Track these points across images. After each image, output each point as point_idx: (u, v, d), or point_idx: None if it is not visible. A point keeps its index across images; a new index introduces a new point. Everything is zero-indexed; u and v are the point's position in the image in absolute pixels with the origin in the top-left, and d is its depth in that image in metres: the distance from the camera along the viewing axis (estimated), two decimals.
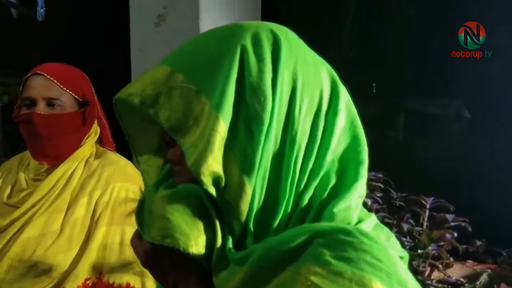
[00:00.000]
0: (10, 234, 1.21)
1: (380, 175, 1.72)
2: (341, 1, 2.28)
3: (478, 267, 1.62)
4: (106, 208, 1.24)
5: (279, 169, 0.55)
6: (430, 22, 2.03)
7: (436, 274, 1.60)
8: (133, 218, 0.65)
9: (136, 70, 2.19)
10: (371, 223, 0.59)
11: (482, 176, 1.94)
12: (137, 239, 0.62)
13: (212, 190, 0.55)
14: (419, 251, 1.57)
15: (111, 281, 1.20)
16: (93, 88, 1.35)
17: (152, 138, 0.66)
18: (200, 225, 0.56)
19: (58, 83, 1.26)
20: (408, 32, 2.11)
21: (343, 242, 0.50)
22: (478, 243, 1.66)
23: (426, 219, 1.65)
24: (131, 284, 1.21)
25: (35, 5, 2.27)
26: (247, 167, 0.54)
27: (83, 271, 1.18)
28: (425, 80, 2.09)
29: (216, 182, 0.55)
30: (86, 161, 1.31)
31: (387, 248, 0.52)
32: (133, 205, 0.66)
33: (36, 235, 1.20)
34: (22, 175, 1.30)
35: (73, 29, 2.81)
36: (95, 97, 1.35)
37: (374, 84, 2.17)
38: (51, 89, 1.25)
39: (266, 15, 2.29)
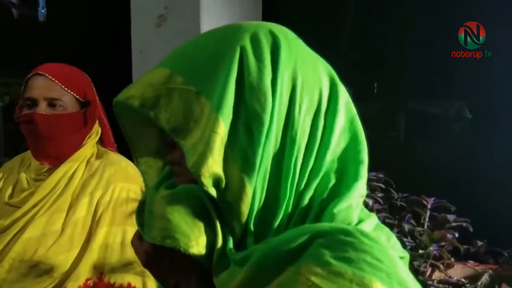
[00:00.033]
0: (11, 234, 1.21)
1: (381, 175, 1.72)
2: (341, 0, 2.28)
3: (479, 268, 1.62)
4: (107, 208, 1.24)
5: (279, 169, 0.56)
6: (430, 22, 2.03)
7: (437, 275, 1.60)
8: (134, 218, 0.65)
9: (137, 71, 2.19)
10: (371, 224, 0.59)
11: (483, 176, 1.94)
12: (138, 240, 0.62)
13: (213, 191, 0.55)
14: (420, 251, 1.57)
15: (112, 281, 1.20)
16: (94, 89, 1.35)
17: (152, 140, 0.66)
18: (201, 225, 0.56)
19: (60, 84, 1.26)
20: (408, 32, 2.11)
21: (343, 243, 0.50)
22: (479, 243, 1.66)
23: (427, 219, 1.65)
24: (132, 284, 1.21)
25: (36, 5, 2.28)
26: (248, 168, 0.54)
27: (84, 271, 1.18)
28: (425, 80, 2.09)
29: (216, 183, 0.55)
30: (88, 161, 1.31)
31: (388, 249, 0.52)
32: (134, 205, 0.66)
33: (37, 235, 1.20)
34: (23, 175, 1.30)
35: (74, 30, 2.81)
36: (97, 98, 1.35)
37: (375, 85, 2.17)
38: (53, 89, 1.25)
39: (267, 15, 2.29)
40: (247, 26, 0.59)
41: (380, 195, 1.69)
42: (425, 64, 2.06)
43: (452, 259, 1.62)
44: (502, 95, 1.91)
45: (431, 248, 1.55)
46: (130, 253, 1.18)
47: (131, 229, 1.22)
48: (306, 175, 0.56)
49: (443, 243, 1.57)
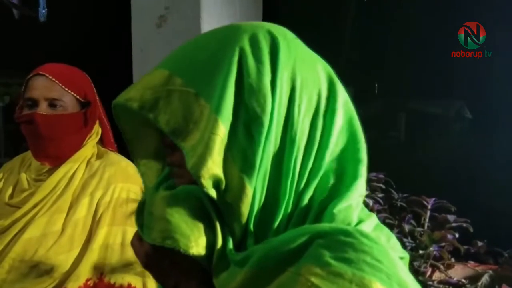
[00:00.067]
0: (11, 235, 1.21)
1: (381, 176, 1.72)
2: (342, 1, 2.28)
3: (480, 268, 1.62)
4: (107, 209, 1.24)
5: (279, 170, 0.56)
6: (430, 22, 2.03)
7: (437, 275, 1.60)
8: (134, 219, 0.65)
9: (138, 71, 2.19)
10: (371, 224, 0.59)
11: (483, 176, 1.94)
12: (138, 241, 0.62)
13: (213, 193, 0.55)
14: (420, 251, 1.57)
15: (112, 281, 1.20)
16: (94, 89, 1.35)
17: (151, 142, 0.66)
18: (201, 226, 0.56)
19: (60, 84, 1.26)
20: (408, 32, 2.11)
21: (343, 243, 0.50)
22: (480, 243, 1.66)
23: (427, 219, 1.65)
24: (132, 285, 1.21)
25: (37, 5, 2.28)
26: (248, 169, 0.54)
27: (85, 272, 1.18)
28: (425, 80, 2.09)
29: (216, 184, 0.55)
30: (88, 162, 1.31)
31: (387, 249, 0.52)
32: (135, 206, 0.66)
33: (37, 236, 1.20)
34: (23, 176, 1.30)
35: (74, 30, 2.81)
36: (97, 98, 1.35)
37: (375, 85, 2.17)
38: (53, 89, 1.25)
39: (267, 15, 2.29)
40: (245, 26, 0.59)
41: (380, 195, 1.69)
42: (425, 64, 2.06)
43: (452, 260, 1.62)
44: (502, 95, 1.91)
45: (431, 249, 1.55)
46: (130, 254, 1.18)
47: (131, 229, 1.22)
48: (306, 175, 0.56)
49: (443, 244, 1.57)
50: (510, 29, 1.87)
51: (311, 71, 0.58)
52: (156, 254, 0.59)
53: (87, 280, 1.18)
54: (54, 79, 1.25)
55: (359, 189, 0.58)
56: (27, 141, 1.30)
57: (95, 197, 1.25)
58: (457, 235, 1.58)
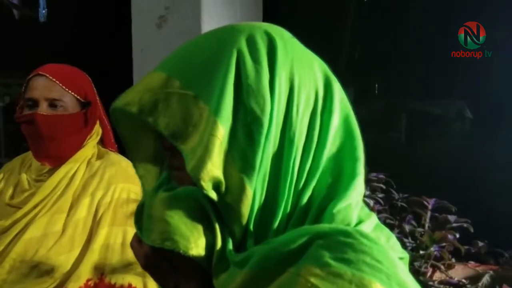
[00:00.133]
0: (12, 235, 1.21)
1: (381, 176, 1.72)
2: (342, 1, 2.28)
3: (480, 268, 1.62)
4: (108, 209, 1.24)
5: (278, 170, 0.55)
6: (430, 22, 2.03)
7: (438, 275, 1.60)
8: None
9: (138, 71, 2.19)
10: (371, 224, 0.58)
11: (483, 176, 1.93)
12: (137, 242, 0.62)
13: (213, 195, 0.55)
14: (421, 252, 1.57)
15: (112, 281, 1.20)
16: (95, 89, 1.36)
17: (150, 145, 0.66)
18: (200, 227, 0.56)
19: (60, 84, 1.26)
20: (408, 32, 2.11)
21: (343, 244, 0.50)
22: (480, 244, 1.66)
23: (428, 220, 1.66)
24: (133, 285, 1.21)
25: (37, 6, 2.28)
26: (248, 170, 0.54)
27: (85, 272, 1.18)
28: (425, 80, 2.09)
29: (216, 186, 0.55)
30: (88, 162, 1.31)
31: (387, 250, 0.52)
32: (135, 206, 0.66)
33: (38, 236, 1.20)
34: (24, 176, 1.30)
35: (75, 30, 2.82)
36: (97, 98, 1.35)
37: (376, 85, 2.17)
38: (54, 90, 1.25)
39: (267, 16, 2.30)
40: (242, 27, 0.59)
41: (380, 195, 1.69)
42: (425, 64, 2.06)
43: (453, 260, 1.62)
44: (502, 95, 1.91)
45: (432, 249, 1.55)
46: (131, 254, 1.17)
47: (132, 229, 1.21)
48: (304, 175, 0.56)
49: (444, 244, 1.57)
50: (510, 29, 1.87)
51: (308, 71, 0.58)
52: (156, 255, 0.59)
53: (88, 281, 1.18)
54: (54, 80, 1.25)
55: (358, 187, 0.57)
56: (27, 141, 1.30)
57: (96, 197, 1.25)
58: (457, 236, 1.59)
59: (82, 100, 1.30)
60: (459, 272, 1.62)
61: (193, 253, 0.55)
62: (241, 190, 0.54)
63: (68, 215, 1.23)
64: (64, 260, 1.18)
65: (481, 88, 1.98)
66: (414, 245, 1.60)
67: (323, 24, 2.27)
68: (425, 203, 1.66)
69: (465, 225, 1.61)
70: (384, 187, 1.72)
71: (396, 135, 2.23)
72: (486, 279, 1.54)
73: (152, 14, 2.14)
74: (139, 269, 1.21)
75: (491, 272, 1.57)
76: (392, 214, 1.69)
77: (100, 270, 1.20)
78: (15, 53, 2.93)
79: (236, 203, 0.55)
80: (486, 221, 1.74)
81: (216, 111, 0.54)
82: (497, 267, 1.64)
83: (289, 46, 0.58)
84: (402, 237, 1.60)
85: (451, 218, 1.62)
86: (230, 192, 0.55)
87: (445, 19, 1.98)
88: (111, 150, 1.37)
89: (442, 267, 1.58)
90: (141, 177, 0.67)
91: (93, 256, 1.20)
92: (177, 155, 0.58)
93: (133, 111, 0.58)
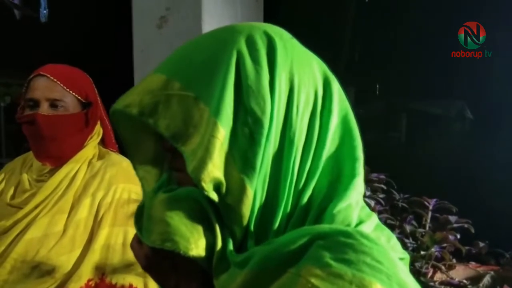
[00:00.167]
0: (13, 235, 1.21)
1: (382, 177, 1.72)
2: (342, 1, 2.28)
3: (481, 269, 1.62)
4: (109, 209, 1.24)
5: (278, 171, 0.56)
6: (430, 22, 2.04)
7: (439, 276, 1.60)
8: None
9: (139, 71, 2.19)
10: (371, 224, 0.58)
11: (484, 177, 1.94)
12: (137, 243, 0.62)
13: (214, 196, 0.55)
14: (422, 252, 1.57)
15: (113, 281, 1.21)
16: (96, 89, 1.36)
17: (150, 147, 0.66)
18: (200, 228, 0.56)
19: (61, 84, 1.26)
20: (408, 32, 2.11)
21: (343, 244, 0.50)
22: (481, 244, 1.66)
23: (428, 220, 1.66)
24: (134, 285, 1.21)
25: (38, 6, 2.28)
26: (248, 171, 0.54)
27: (86, 272, 1.18)
28: (425, 80, 2.09)
29: (217, 187, 0.55)
30: (89, 162, 1.32)
31: (388, 250, 0.51)
32: (136, 206, 0.66)
33: (39, 236, 1.20)
34: (25, 176, 1.30)
35: (75, 30, 2.82)
36: (98, 98, 1.35)
37: (376, 85, 2.17)
38: (54, 90, 1.26)
39: (268, 16, 2.30)
40: (241, 28, 0.59)
41: (381, 196, 1.69)
42: (425, 64, 2.06)
43: (454, 260, 1.62)
44: (502, 95, 1.92)
45: (432, 249, 1.55)
46: (132, 254, 1.18)
47: (133, 230, 1.20)
48: (304, 175, 0.56)
49: (444, 244, 1.57)
50: (510, 29, 1.87)
51: (308, 71, 0.58)
52: (156, 256, 0.59)
53: (89, 281, 1.19)
54: (55, 80, 1.26)
55: (358, 187, 0.57)
56: (28, 141, 1.30)
57: (97, 197, 1.25)
58: (458, 236, 1.58)
59: (83, 101, 1.30)
60: (460, 273, 1.62)
61: (193, 253, 0.55)
62: (242, 190, 0.54)
63: (69, 216, 1.23)
64: (65, 260, 1.18)
65: (481, 88, 1.98)
66: (415, 245, 1.60)
67: (323, 24, 2.27)
68: (426, 203, 1.66)
69: (466, 225, 1.61)
70: (385, 187, 1.72)
71: (396, 135, 2.23)
72: (487, 279, 1.54)
73: (153, 15, 2.14)
74: (140, 269, 1.20)
75: (492, 272, 1.57)
76: (393, 215, 1.69)
77: (101, 270, 1.20)
78: (16, 53, 2.93)
79: (236, 203, 0.55)
80: (487, 221, 1.74)
81: (216, 112, 0.54)
82: (498, 267, 1.64)
83: (288, 46, 0.58)
84: (403, 237, 1.60)
85: (452, 218, 1.62)
86: (231, 193, 0.55)
87: (445, 19, 1.99)
88: (112, 150, 1.37)
89: (443, 267, 1.58)
90: (141, 179, 0.67)
91: (94, 257, 1.20)
92: (177, 157, 0.58)
93: (134, 113, 0.58)
